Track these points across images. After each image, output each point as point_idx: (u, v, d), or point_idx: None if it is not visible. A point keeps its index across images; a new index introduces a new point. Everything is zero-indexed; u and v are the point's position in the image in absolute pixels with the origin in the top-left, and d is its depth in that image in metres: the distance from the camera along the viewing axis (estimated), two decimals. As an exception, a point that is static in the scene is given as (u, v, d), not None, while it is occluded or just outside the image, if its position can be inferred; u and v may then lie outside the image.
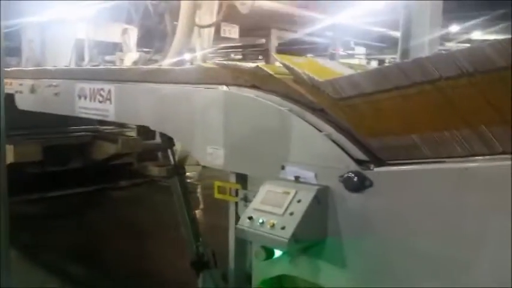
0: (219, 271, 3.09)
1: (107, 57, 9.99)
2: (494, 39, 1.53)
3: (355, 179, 1.99)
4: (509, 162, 1.63)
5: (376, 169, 1.98)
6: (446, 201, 1.78)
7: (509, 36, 1.48)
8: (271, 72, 2.41)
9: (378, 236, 1.98)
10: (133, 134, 8.13)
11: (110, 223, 7.01)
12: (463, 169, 1.74)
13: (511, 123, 1.59)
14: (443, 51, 1.91)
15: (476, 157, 1.73)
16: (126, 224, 7.03)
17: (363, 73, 1.94)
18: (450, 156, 1.80)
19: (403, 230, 1.90)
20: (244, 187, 2.64)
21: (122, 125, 7.60)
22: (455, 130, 1.75)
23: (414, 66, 1.70)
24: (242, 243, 2.81)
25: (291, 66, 2.23)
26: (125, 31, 7.74)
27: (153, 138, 9.22)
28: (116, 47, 8.27)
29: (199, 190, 8.18)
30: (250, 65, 2.63)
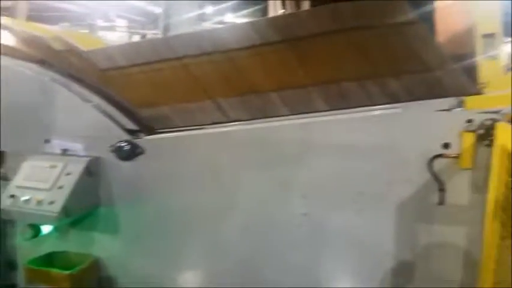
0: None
1: None
2: (232, 23, 1.85)
3: (126, 147, 2.08)
4: (241, 127, 1.97)
5: (146, 137, 2.10)
6: (212, 157, 2.05)
7: (247, 20, 1.82)
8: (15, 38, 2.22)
9: (152, 198, 2.12)
10: None
11: None
12: (218, 133, 2.02)
13: (240, 95, 1.94)
14: (190, 32, 2.15)
15: (217, 124, 2.02)
16: None
17: (118, 46, 2.04)
18: (201, 124, 2.05)
19: (174, 189, 2.09)
20: (1, 165, 2.40)
21: None
22: (199, 101, 2.01)
23: (164, 43, 1.90)
24: (1, 226, 2.56)
25: (35, 33, 2.13)
26: None
27: None
28: None
29: None
30: None
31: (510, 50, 2.26)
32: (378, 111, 1.82)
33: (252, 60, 1.78)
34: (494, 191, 1.68)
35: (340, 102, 1.82)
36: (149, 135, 2.10)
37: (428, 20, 1.87)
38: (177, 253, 2.14)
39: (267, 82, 1.84)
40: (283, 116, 1.89)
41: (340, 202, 1.93)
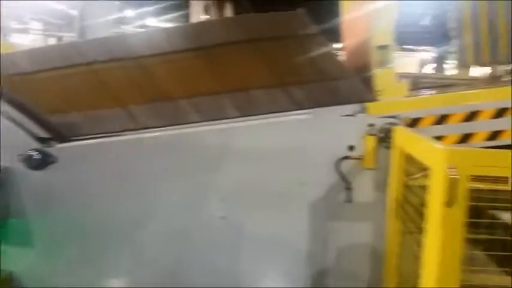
0: None
1: None
2: (146, 29, 1.86)
3: (37, 156, 1.99)
4: (159, 134, 1.98)
5: (59, 145, 2.03)
6: (127, 165, 2.03)
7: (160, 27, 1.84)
8: None
9: (67, 208, 2.05)
10: None
11: None
12: (134, 140, 2.00)
13: (151, 102, 1.94)
14: (100, 37, 2.11)
15: (129, 131, 2.00)
16: None
17: (24, 51, 1.95)
18: (111, 131, 2.02)
19: (90, 198, 2.04)
20: None
21: None
22: (109, 108, 1.97)
23: (71, 48, 1.84)
24: None
25: None
26: None
27: None
28: None
29: None
30: None
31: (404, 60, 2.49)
32: (288, 117, 1.92)
33: (163, 67, 1.80)
34: (393, 190, 1.85)
35: (251, 109, 1.90)
36: (61, 143, 2.04)
37: (333, 32, 2.02)
38: (96, 262, 2.09)
39: (178, 89, 1.86)
40: (195, 122, 1.93)
41: (256, 204, 2.00)
